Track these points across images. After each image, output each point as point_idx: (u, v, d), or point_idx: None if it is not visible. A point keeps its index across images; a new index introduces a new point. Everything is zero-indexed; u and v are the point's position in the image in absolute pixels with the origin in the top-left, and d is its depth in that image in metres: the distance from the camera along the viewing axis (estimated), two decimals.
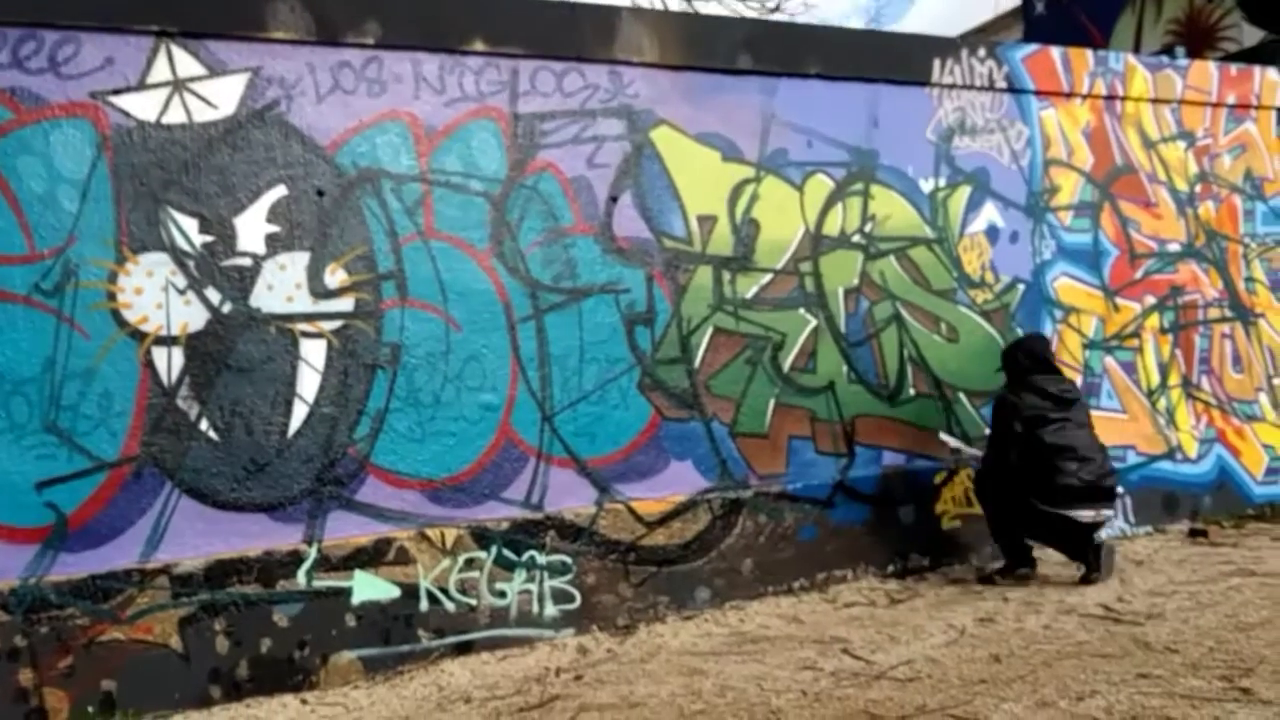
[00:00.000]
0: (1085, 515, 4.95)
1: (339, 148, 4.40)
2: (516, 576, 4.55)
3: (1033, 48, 6.22)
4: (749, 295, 5.21)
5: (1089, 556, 4.99)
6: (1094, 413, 5.86)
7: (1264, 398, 6.73)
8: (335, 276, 4.38)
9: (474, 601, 4.45)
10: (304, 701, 4.00)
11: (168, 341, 4.07)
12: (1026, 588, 5.00)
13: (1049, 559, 5.27)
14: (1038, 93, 6.13)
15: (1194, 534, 5.96)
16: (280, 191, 4.29)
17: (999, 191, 5.97)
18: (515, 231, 4.71)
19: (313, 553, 4.21)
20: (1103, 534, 5.18)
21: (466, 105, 4.65)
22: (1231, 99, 6.83)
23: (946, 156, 5.83)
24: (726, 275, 5.16)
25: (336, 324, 4.36)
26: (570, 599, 4.64)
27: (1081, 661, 3.76)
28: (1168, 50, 7.06)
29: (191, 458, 4.08)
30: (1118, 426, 6.13)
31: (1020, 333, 5.87)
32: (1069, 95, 6.25)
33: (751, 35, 5.36)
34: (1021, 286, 5.99)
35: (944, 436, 5.55)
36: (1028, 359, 5.27)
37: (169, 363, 4.07)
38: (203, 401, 4.11)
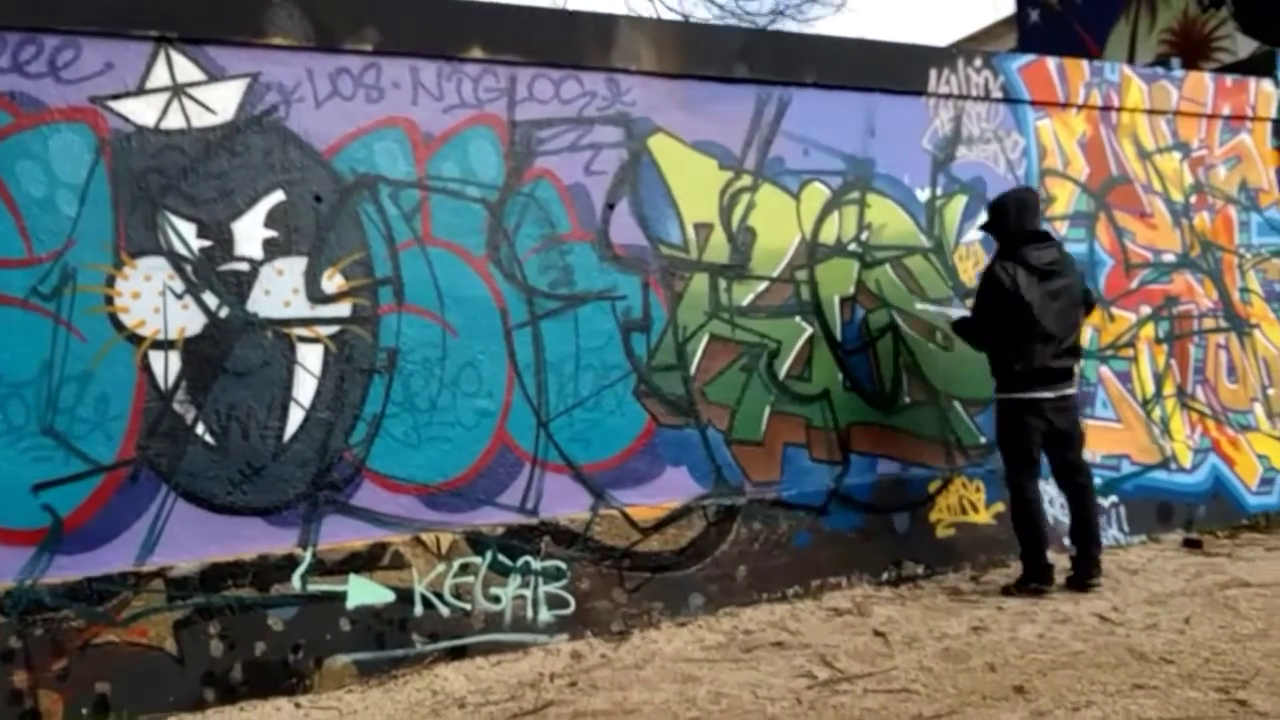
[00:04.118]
0: None
1: (337, 153, 4.41)
2: (511, 582, 4.55)
3: (1029, 58, 6.25)
4: (745, 303, 5.22)
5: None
6: (1089, 422, 5.88)
7: (1258, 408, 6.74)
8: (332, 282, 4.39)
9: (468, 606, 4.46)
10: (298, 705, 4.00)
11: (165, 345, 4.07)
12: (1021, 597, 4.98)
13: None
14: (1034, 103, 6.16)
15: (1188, 544, 5.96)
16: (278, 197, 4.30)
17: None
18: (512, 238, 4.72)
19: (308, 557, 4.21)
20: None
21: (464, 112, 4.67)
22: (1227, 110, 6.86)
23: (943, 166, 5.85)
24: (722, 283, 5.17)
25: (333, 329, 4.37)
26: (565, 604, 4.64)
27: (1077, 671, 3.77)
28: (1163, 61, 7.08)
29: (188, 461, 4.08)
30: (1112, 436, 6.15)
31: None
32: (1065, 105, 6.27)
33: (748, 44, 5.39)
34: None
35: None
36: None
37: (166, 367, 4.07)
38: (199, 405, 4.11)
